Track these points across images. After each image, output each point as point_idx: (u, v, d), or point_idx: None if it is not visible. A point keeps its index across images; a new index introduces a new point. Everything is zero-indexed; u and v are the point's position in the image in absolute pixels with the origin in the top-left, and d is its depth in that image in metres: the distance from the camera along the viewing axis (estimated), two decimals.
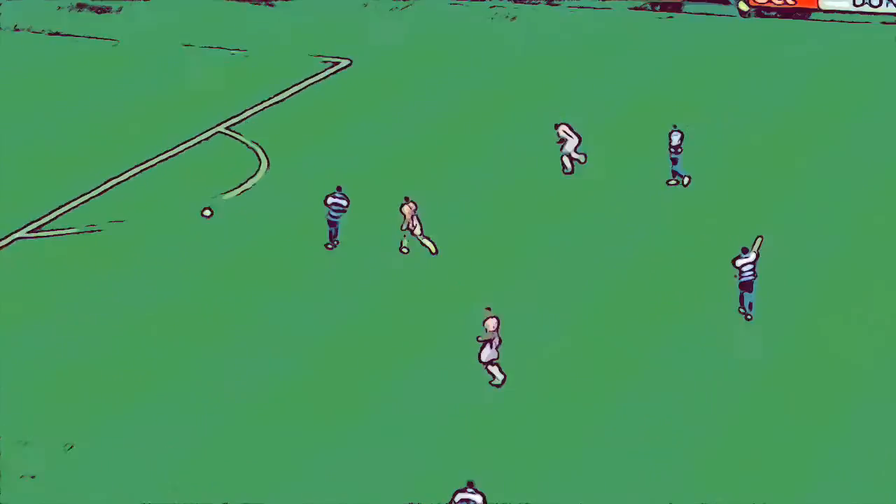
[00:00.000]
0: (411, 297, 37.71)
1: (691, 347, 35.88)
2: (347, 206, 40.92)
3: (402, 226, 40.50)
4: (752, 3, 64.20)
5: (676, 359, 35.34)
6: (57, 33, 61.17)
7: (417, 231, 40.46)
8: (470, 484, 28.78)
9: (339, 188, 41.19)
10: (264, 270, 39.95)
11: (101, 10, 64.82)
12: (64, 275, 39.55)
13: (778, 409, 33.38)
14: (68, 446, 31.70)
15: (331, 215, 40.94)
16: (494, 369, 33.90)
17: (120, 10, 65.08)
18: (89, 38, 60.65)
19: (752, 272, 36.51)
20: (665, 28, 62.84)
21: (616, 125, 50.21)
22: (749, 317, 36.74)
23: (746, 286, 36.56)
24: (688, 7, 64.69)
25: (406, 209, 40.59)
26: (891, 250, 41.00)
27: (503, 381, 33.88)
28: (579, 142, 45.37)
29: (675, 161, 44.50)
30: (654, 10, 64.83)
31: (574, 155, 45.50)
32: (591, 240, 41.77)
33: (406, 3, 65.56)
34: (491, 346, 33.55)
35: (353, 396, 33.84)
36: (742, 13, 63.78)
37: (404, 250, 40.63)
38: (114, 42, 60.15)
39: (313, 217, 41.63)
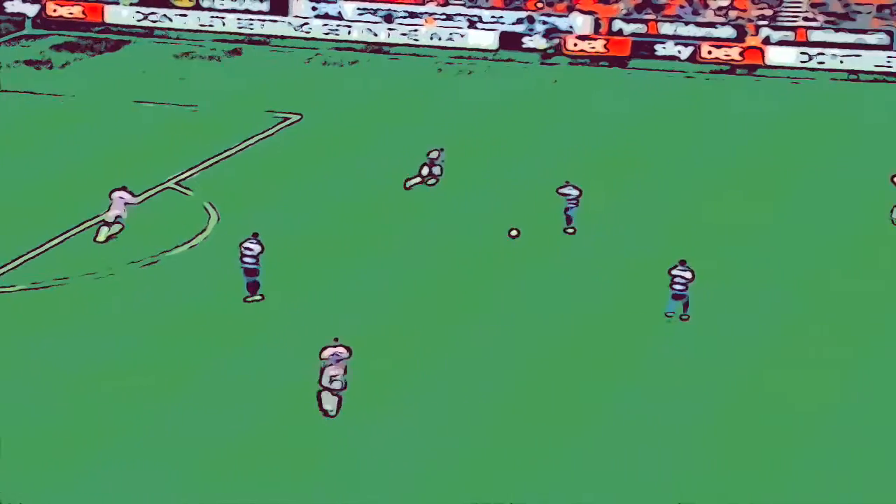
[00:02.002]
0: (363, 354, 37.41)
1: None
2: (261, 252, 40.56)
3: None
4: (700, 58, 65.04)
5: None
6: (4, 91, 60.84)
7: None
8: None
9: (255, 234, 41.02)
10: (212, 326, 39.55)
11: (47, 67, 64.58)
12: (8, 332, 38.96)
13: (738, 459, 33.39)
14: None
15: (243, 261, 40.50)
16: None
17: (66, 65, 64.90)
18: (35, 94, 60.35)
19: None
20: (615, 82, 63.44)
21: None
22: None
23: None
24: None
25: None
26: (845, 303, 41.32)
27: None
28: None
29: (568, 209, 45.64)
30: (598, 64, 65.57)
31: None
32: (543, 292, 41.80)
33: (346, 59, 65.99)
34: None
35: (305, 449, 33.48)
36: (544, 53, 65.28)
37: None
38: (60, 97, 59.85)
39: (262, 272, 41.26)
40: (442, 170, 49.77)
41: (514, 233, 44.65)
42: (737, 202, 49.16)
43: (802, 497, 32.01)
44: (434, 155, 49.80)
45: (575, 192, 45.67)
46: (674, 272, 39.94)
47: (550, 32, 66.59)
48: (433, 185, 49.48)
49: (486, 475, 32.70)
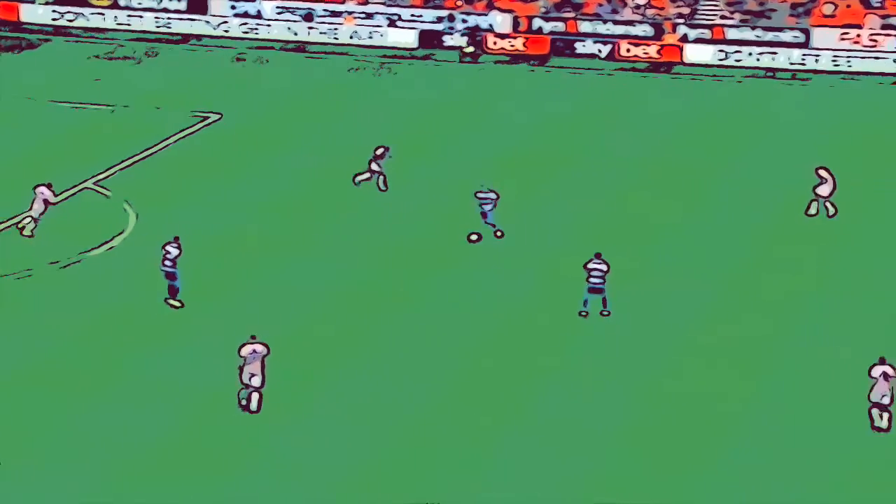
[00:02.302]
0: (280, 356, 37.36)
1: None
2: (178, 255, 40.36)
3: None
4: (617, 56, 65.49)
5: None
6: None
7: None
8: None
9: (175, 238, 40.74)
10: (132, 327, 39.31)
11: None
12: None
13: (646, 455, 33.65)
14: None
15: (164, 264, 40.23)
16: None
17: None
18: None
19: None
20: (534, 80, 63.70)
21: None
22: None
23: None
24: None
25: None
26: (753, 298, 41.81)
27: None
28: None
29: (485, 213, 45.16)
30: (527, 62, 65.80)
31: None
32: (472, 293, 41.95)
33: (266, 58, 65.77)
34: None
35: (227, 447, 33.40)
36: (464, 54, 65.39)
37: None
38: None
39: (181, 273, 40.96)
40: (380, 166, 49.43)
41: (473, 237, 44.60)
42: (655, 200, 49.52)
43: (719, 491, 32.40)
44: (379, 152, 49.48)
45: (493, 196, 45.56)
46: (590, 266, 40.23)
47: (474, 33, 66.60)
48: (366, 179, 49.31)
49: (406, 474, 32.77)
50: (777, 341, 39.20)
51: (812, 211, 47.38)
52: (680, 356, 38.28)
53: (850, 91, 62.12)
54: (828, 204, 47.23)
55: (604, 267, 40.12)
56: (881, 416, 34.27)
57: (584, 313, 40.10)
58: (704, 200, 49.58)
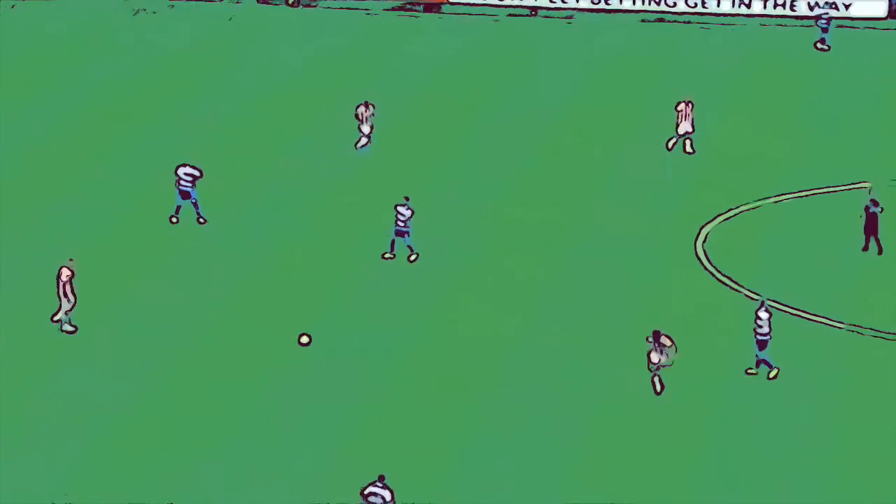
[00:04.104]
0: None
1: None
2: None
3: None
4: None
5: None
6: None
7: None
8: (380, 478, 29.23)
9: None
10: None
11: None
12: None
13: (424, 397, 34.61)
14: None
15: None
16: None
17: None
18: None
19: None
20: (302, 19, 63.48)
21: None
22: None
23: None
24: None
25: None
26: (523, 237, 43.03)
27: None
28: None
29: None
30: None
31: None
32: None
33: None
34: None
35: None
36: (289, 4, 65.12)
37: None
38: None
39: None
40: (372, 127, 48.32)
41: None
42: (424, 141, 50.23)
43: (487, 426, 33.56)
44: (362, 110, 48.17)
45: (194, 175, 42.38)
46: (400, 208, 40.57)
47: None
48: (364, 144, 48.32)
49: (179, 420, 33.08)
50: (549, 278, 40.54)
51: (669, 145, 48.33)
52: (458, 293, 39.27)
53: (612, 28, 63.41)
54: (687, 141, 48.12)
55: (407, 213, 40.57)
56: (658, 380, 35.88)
57: (389, 256, 40.61)
58: (471, 140, 50.54)
